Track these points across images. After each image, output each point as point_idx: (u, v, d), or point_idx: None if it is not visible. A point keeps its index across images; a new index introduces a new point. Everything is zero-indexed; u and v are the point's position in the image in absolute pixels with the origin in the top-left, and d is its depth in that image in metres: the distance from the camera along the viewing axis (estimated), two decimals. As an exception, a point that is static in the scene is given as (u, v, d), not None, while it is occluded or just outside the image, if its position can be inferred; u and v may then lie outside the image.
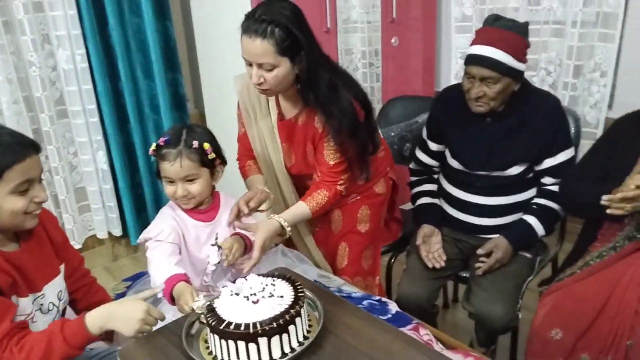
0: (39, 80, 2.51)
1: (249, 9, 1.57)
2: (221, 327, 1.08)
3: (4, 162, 1.18)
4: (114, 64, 2.70)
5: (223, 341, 1.09)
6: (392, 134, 2.32)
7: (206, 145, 1.48)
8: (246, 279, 1.23)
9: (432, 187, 1.97)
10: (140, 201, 2.96)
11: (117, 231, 2.96)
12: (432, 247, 1.83)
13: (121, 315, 1.24)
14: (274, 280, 1.23)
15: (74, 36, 2.54)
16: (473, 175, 1.81)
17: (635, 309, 1.43)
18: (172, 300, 1.39)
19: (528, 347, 1.59)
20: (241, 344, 1.07)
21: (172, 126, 1.56)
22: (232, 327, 1.08)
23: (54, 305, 1.35)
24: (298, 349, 1.12)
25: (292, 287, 1.21)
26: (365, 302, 1.65)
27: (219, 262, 1.49)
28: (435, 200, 1.94)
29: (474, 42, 1.67)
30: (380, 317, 1.58)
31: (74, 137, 2.75)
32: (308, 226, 1.85)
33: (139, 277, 1.84)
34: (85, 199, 2.89)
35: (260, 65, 1.51)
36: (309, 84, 1.58)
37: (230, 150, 1.68)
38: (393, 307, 1.63)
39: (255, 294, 1.16)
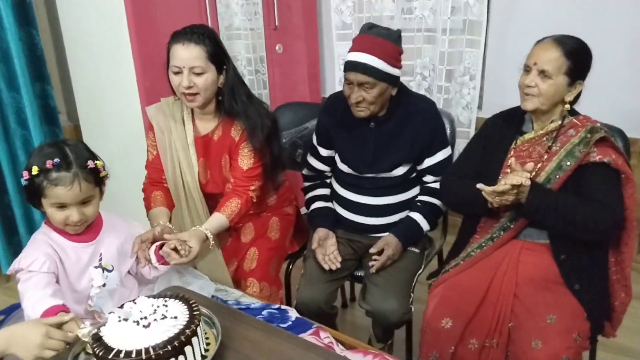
0: None
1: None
2: (110, 357, 1.00)
3: None
4: (-29, 76, 2.43)
5: (113, 372, 1.00)
6: (284, 140, 2.33)
7: (99, 163, 1.39)
8: (135, 302, 1.14)
9: (324, 191, 2.00)
10: (10, 225, 2.69)
11: (-8, 255, 2.66)
12: (327, 250, 1.86)
13: (19, 339, 1.12)
14: (166, 301, 1.16)
15: None
16: (362, 177, 1.87)
17: (513, 292, 1.56)
18: None
19: (422, 337, 1.67)
20: (134, 373, 1.00)
21: (44, 144, 1.41)
22: (121, 355, 1.00)
23: None
24: (197, 370, 1.07)
25: (186, 306, 1.15)
26: (265, 312, 1.63)
27: (103, 285, 1.39)
28: (328, 204, 1.98)
29: (351, 50, 1.73)
30: (281, 325, 1.58)
31: None
32: (216, 240, 1.80)
33: (12, 310, 1.66)
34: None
35: (191, 70, 1.65)
36: (231, 94, 1.74)
37: (110, 162, 1.55)
38: (293, 314, 1.63)
39: (146, 317, 1.08)
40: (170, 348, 1.01)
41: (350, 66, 1.72)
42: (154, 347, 1.01)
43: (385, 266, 1.80)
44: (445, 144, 1.86)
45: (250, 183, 1.78)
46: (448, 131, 1.94)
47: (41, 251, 1.38)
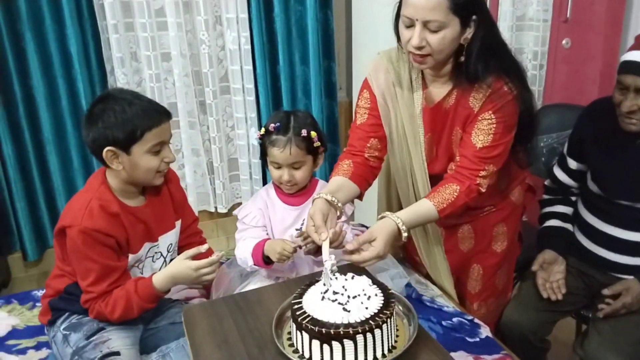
0: (208, 57, 2.78)
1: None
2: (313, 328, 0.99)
3: (145, 124, 1.36)
4: (275, 48, 2.87)
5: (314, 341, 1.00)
6: (541, 144, 2.10)
7: (313, 134, 1.52)
8: (348, 279, 1.13)
9: (565, 209, 1.74)
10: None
11: (260, 203, 3.17)
12: (552, 277, 1.64)
13: (179, 276, 1.38)
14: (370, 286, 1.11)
15: (241, 19, 2.76)
16: (614, 203, 1.57)
17: None
18: (266, 262, 1.49)
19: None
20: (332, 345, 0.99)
21: (277, 111, 1.63)
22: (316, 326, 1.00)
23: (161, 255, 1.52)
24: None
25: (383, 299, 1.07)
26: (455, 319, 1.55)
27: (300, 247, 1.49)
28: (567, 225, 1.72)
29: (632, 48, 1.43)
30: (467, 339, 1.48)
31: (232, 112, 3.00)
32: (439, 232, 1.61)
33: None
34: (237, 169, 3.15)
35: (425, 24, 1.28)
36: (482, 55, 1.34)
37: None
38: (484, 331, 1.50)
39: (348, 301, 1.04)
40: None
41: (628, 67, 1.43)
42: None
43: (618, 314, 1.49)
44: None
45: (482, 167, 1.38)
46: None
47: (256, 206, 1.60)
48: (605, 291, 1.53)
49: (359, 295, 1.05)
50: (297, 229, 1.54)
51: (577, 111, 2.10)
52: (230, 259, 1.91)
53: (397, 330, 1.07)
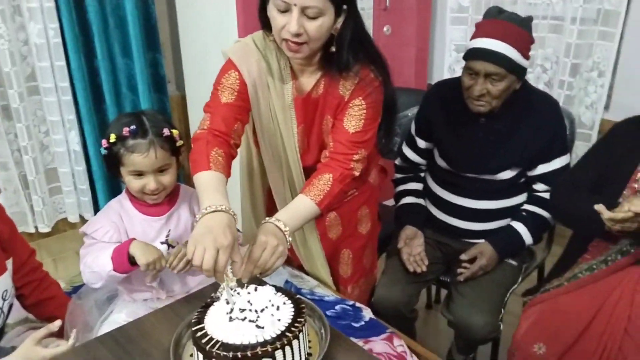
0: (8, 54, 2.36)
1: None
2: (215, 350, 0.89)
3: None
4: (90, 41, 2.57)
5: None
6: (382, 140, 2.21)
7: (175, 132, 1.37)
8: (250, 291, 1.04)
9: (417, 185, 1.86)
10: (114, 184, 2.83)
11: (90, 215, 2.84)
12: (413, 250, 1.73)
13: None
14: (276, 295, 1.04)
15: (47, 9, 2.39)
16: (461, 177, 1.71)
17: (624, 327, 1.34)
18: (132, 264, 1.30)
19: (509, 359, 1.51)
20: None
21: (122, 114, 1.44)
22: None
23: None
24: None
25: (293, 307, 1.01)
26: (338, 307, 1.55)
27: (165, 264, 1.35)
28: (420, 200, 1.84)
29: (476, 35, 1.55)
30: (353, 324, 1.49)
31: (45, 116, 2.62)
32: (313, 221, 1.51)
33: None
34: (57, 181, 2.77)
35: (303, 10, 1.22)
36: (352, 44, 1.32)
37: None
38: (367, 314, 1.53)
39: (257, 314, 0.96)
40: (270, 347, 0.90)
41: (477, 54, 1.52)
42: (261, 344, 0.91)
43: (476, 276, 1.65)
44: (565, 151, 1.63)
45: (355, 151, 1.37)
46: (567, 133, 1.71)
47: (108, 219, 1.39)
48: (463, 256, 1.67)
49: (266, 307, 0.98)
50: (162, 242, 1.38)
51: (410, 93, 2.27)
52: (77, 287, 1.66)
53: (308, 335, 1.02)
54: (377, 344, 1.39)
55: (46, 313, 1.42)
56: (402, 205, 1.85)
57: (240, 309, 0.96)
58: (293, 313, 0.98)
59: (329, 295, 1.61)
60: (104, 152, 1.37)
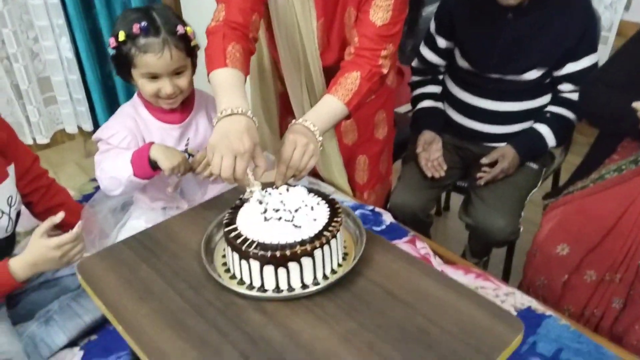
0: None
1: None
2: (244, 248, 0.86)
3: None
4: None
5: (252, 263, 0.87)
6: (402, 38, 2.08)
7: (189, 30, 1.26)
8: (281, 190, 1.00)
9: (436, 89, 1.78)
10: (111, 94, 2.72)
11: (88, 125, 2.74)
12: (431, 155, 1.68)
13: (40, 261, 1.10)
14: (311, 197, 0.99)
15: None
16: (483, 77, 1.63)
17: (650, 228, 1.33)
18: (154, 168, 1.22)
19: (529, 261, 1.51)
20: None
21: (127, 10, 1.28)
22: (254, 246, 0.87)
23: (2, 212, 1.18)
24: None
25: (328, 208, 0.96)
26: (357, 212, 1.53)
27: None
28: (438, 104, 1.77)
29: None
30: (374, 228, 1.47)
31: (32, 20, 2.44)
32: (332, 131, 1.46)
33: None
34: (51, 90, 2.64)
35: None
36: None
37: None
38: (387, 218, 1.52)
39: (294, 216, 0.91)
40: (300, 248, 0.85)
41: None
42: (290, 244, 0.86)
43: (496, 180, 1.61)
44: (594, 49, 1.54)
45: (383, 46, 1.26)
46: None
47: (124, 125, 1.30)
48: (484, 160, 1.63)
49: (300, 207, 0.93)
50: (182, 151, 1.31)
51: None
52: (87, 195, 1.61)
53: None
54: (401, 246, 1.37)
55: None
56: (419, 109, 1.78)
57: (274, 209, 0.92)
58: (329, 213, 0.94)
59: (347, 200, 1.58)
60: (111, 52, 1.26)
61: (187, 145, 1.34)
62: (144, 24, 1.19)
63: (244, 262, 0.87)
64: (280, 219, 0.90)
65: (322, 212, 0.93)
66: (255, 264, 0.86)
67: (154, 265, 0.96)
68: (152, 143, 1.24)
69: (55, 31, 2.48)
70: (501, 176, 1.61)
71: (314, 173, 1.66)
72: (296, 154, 1.05)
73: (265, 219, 0.90)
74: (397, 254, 0.98)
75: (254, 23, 1.24)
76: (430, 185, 1.69)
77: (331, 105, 1.23)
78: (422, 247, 1.40)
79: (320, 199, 0.98)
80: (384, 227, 1.49)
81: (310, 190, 1.00)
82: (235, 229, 0.91)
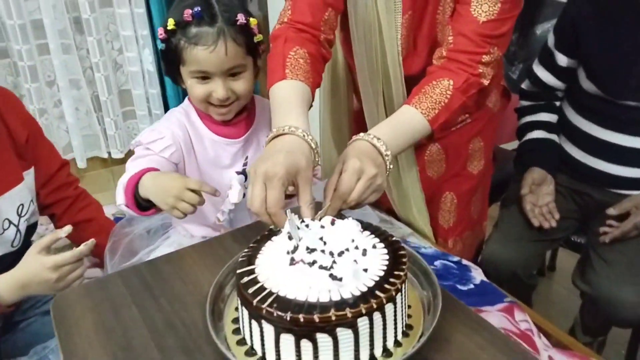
0: (77, -44, 2.15)
1: None
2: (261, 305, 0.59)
3: None
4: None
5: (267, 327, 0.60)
6: (512, 47, 1.77)
7: (253, 21, 1.02)
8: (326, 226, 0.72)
9: (550, 117, 1.44)
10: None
11: (164, 143, 2.64)
12: (541, 200, 1.35)
13: (34, 281, 0.91)
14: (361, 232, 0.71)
15: None
16: (616, 105, 1.27)
17: None
18: (140, 208, 0.94)
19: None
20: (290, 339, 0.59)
21: None
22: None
23: (10, 223, 1.00)
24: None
25: (387, 250, 0.68)
26: (438, 263, 1.21)
27: (244, 196, 1.00)
28: (553, 136, 1.42)
29: None
30: (459, 286, 1.15)
31: (118, 30, 2.40)
32: (410, 150, 1.19)
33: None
34: (130, 104, 2.58)
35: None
36: None
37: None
38: (477, 275, 1.18)
39: (334, 261, 0.63)
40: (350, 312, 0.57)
41: None
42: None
43: (627, 238, 1.23)
44: None
45: (486, 49, 0.98)
46: None
47: (171, 131, 1.06)
48: (611, 211, 1.26)
49: (347, 250, 0.64)
50: (237, 172, 1.06)
51: (538, 6, 1.80)
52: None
53: (408, 297, 0.68)
54: (493, 316, 1.04)
55: (83, 238, 1.18)
56: (528, 140, 1.44)
57: (308, 249, 0.64)
58: (388, 262, 0.64)
59: (426, 247, 1.26)
60: (160, 46, 1.06)
61: (245, 165, 1.10)
62: (197, 9, 0.97)
63: (254, 323, 0.60)
64: (313, 263, 0.61)
65: (378, 260, 0.64)
66: (269, 329, 0.58)
67: (146, 309, 0.72)
68: (150, 170, 0.94)
69: (139, 42, 2.42)
70: (634, 234, 1.24)
71: (388, 208, 1.36)
72: (359, 188, 0.79)
73: (292, 261, 0.62)
74: (487, 332, 0.66)
75: (327, 21, 1.01)
76: (536, 237, 1.36)
77: (411, 121, 0.95)
78: (522, 320, 1.06)
79: (378, 240, 0.69)
80: (471, 286, 1.15)
81: (366, 227, 0.71)
82: (250, 272, 0.64)
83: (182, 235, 1.21)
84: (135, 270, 0.80)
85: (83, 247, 0.91)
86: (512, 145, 1.64)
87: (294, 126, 0.83)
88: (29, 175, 1.07)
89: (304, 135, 0.83)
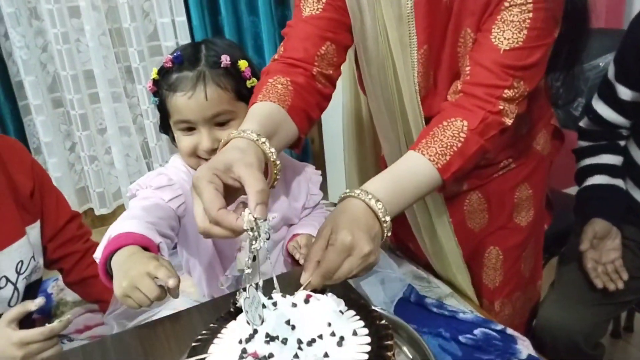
0: (128, 8, 2.21)
1: None
2: None
3: None
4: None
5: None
6: (557, 83, 1.60)
7: (243, 64, 0.95)
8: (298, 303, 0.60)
9: (613, 159, 1.26)
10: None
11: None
12: (605, 256, 1.18)
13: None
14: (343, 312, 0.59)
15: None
16: (694, 143, 1.07)
17: None
18: (109, 278, 0.78)
19: None
20: None
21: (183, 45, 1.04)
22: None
23: (7, 280, 0.96)
24: None
25: (368, 331, 0.55)
26: (478, 332, 1.03)
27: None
28: (618, 182, 1.24)
29: None
30: (500, 361, 0.97)
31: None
32: (441, 199, 1.04)
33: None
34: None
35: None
36: None
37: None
38: (523, 348, 1.00)
39: (296, 355, 0.51)
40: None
41: None
42: None
43: None
44: None
45: (508, 82, 0.84)
46: None
47: (175, 174, 0.97)
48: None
49: (320, 337, 0.52)
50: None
51: (600, 37, 1.60)
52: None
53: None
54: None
55: (92, 295, 1.13)
56: (588, 186, 1.27)
57: (267, 337, 0.51)
58: (368, 356, 0.51)
59: (466, 311, 1.09)
60: (154, 101, 1.00)
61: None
62: (177, 53, 0.92)
63: None
64: (270, 358, 0.49)
65: (354, 353, 0.51)
66: None
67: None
68: (138, 241, 0.79)
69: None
70: None
71: (426, 263, 1.21)
72: (346, 268, 0.66)
73: (242, 356, 0.49)
74: None
75: (324, 56, 0.92)
76: (600, 300, 1.18)
77: (416, 170, 0.83)
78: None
79: (362, 324, 0.55)
80: (516, 361, 0.97)
81: (349, 303, 0.58)
82: (201, 363, 0.52)
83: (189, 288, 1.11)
84: (99, 346, 0.71)
85: (56, 324, 0.84)
86: (574, 190, 1.44)
87: (247, 132, 0.74)
88: (34, 229, 1.03)
89: (239, 133, 0.74)
